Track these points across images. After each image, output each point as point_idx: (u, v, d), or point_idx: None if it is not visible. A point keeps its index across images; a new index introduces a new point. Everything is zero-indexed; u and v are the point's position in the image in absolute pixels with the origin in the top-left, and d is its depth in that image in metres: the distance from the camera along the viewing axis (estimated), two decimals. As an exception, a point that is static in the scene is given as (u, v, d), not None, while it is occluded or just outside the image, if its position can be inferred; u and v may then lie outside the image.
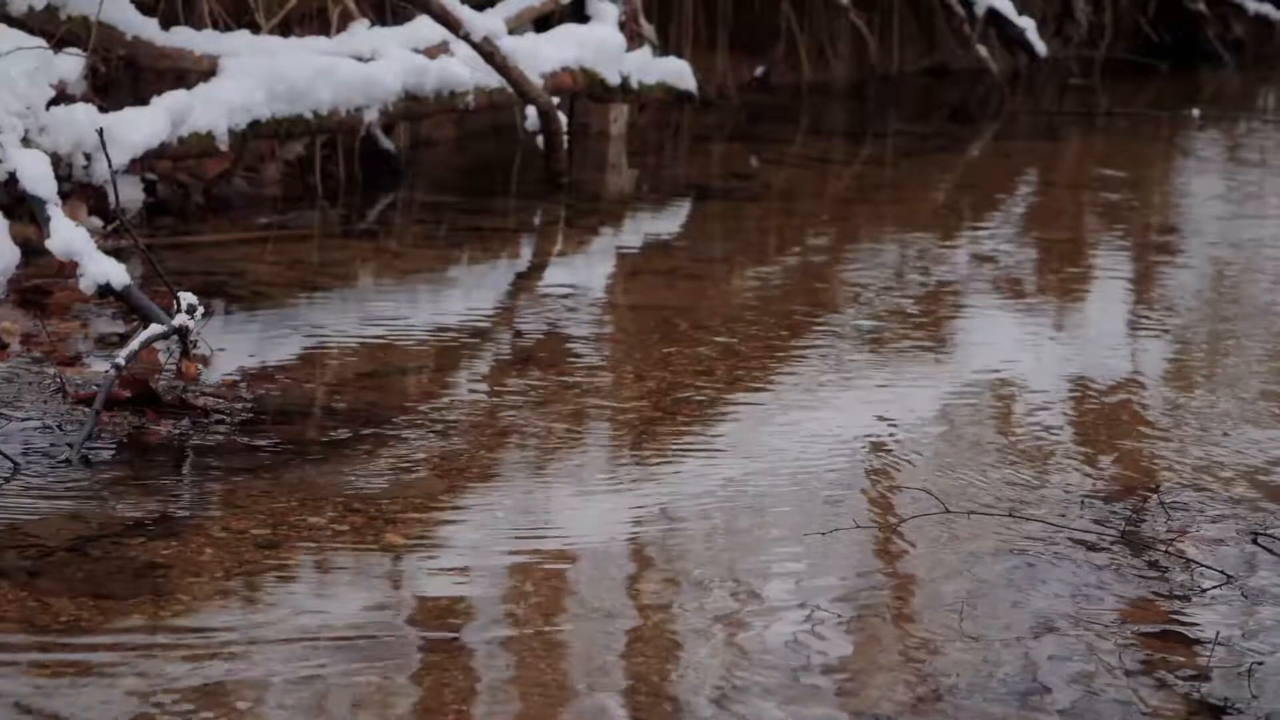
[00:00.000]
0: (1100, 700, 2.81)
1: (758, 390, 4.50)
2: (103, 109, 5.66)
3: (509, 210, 6.93)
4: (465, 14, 6.67)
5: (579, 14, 7.90)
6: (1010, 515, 3.58)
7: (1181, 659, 2.98)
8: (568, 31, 7.52)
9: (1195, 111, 10.40)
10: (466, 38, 6.67)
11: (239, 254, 5.81)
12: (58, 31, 5.71)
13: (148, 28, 6.19)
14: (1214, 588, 3.27)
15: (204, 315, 4.28)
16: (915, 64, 11.48)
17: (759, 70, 10.48)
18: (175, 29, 6.34)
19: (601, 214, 6.89)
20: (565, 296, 5.50)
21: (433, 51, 6.81)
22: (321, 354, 4.73)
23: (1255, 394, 4.64)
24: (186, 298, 4.21)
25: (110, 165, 4.73)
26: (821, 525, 3.51)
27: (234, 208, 6.52)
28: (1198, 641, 3.05)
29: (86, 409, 3.92)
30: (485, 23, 6.72)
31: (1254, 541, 3.50)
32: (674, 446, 4.01)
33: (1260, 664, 2.96)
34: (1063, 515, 3.62)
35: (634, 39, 8.02)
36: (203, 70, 6.23)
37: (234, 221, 6.31)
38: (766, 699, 2.77)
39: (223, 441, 3.91)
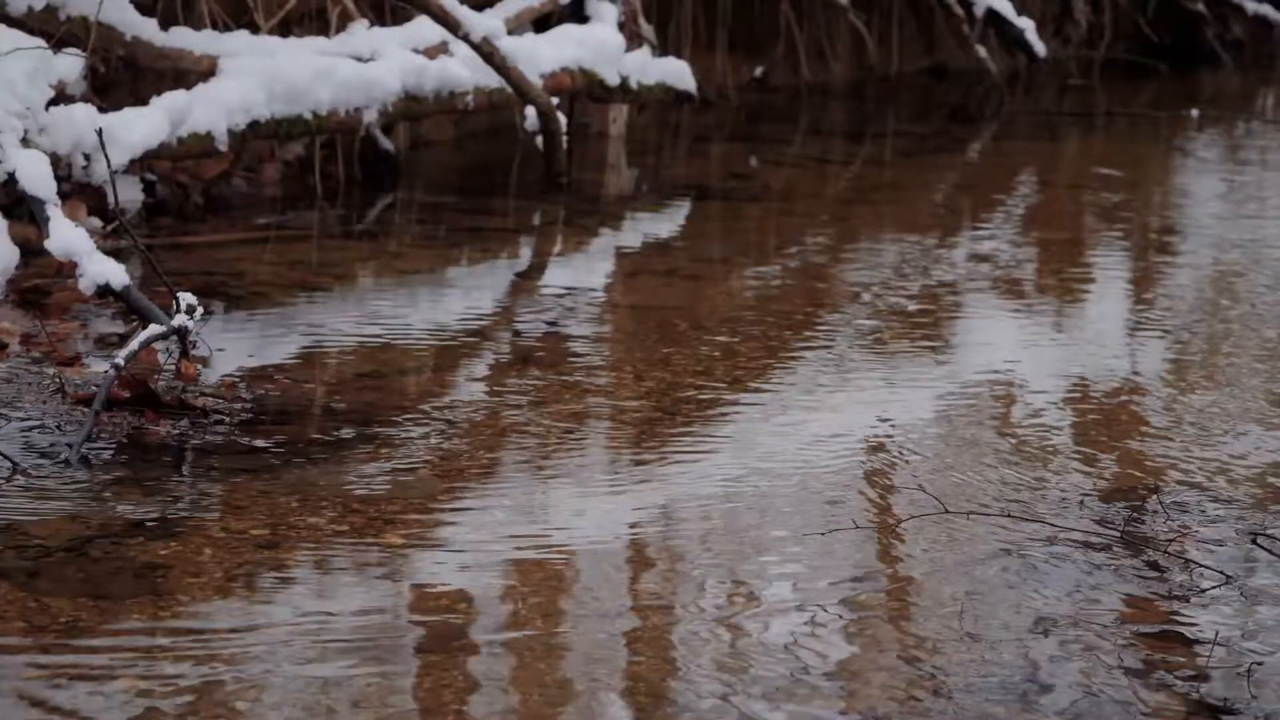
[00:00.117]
0: (1100, 700, 2.81)
1: (758, 390, 4.50)
2: (102, 109, 5.65)
3: (508, 210, 6.93)
4: (464, 14, 6.67)
5: (578, 14, 7.89)
6: (1010, 515, 3.58)
7: (1181, 659, 2.98)
8: (567, 32, 7.51)
9: (1194, 112, 10.39)
10: (466, 38, 6.67)
11: (238, 254, 5.81)
12: (57, 32, 5.70)
13: (147, 28, 6.18)
14: (1213, 588, 3.27)
15: (203, 315, 4.28)
16: (914, 64, 11.47)
17: (758, 70, 10.47)
18: (174, 29, 6.34)
19: (601, 214, 6.88)
20: (565, 296, 5.50)
21: (432, 52, 6.80)
22: (321, 354, 4.73)
23: (1255, 394, 4.63)
24: (186, 298, 4.21)
25: (109, 165, 4.73)
26: (821, 525, 3.51)
27: (233, 208, 6.51)
28: (1197, 642, 3.04)
29: (86, 409, 3.91)
30: (484, 23, 6.72)
31: (1254, 542, 3.49)
32: (674, 446, 4.01)
33: (1259, 664, 2.96)
34: (1062, 515, 3.62)
35: (633, 39, 8.02)
36: (202, 70, 6.23)
37: (233, 222, 6.30)
38: (766, 699, 2.77)
39: (222, 442, 3.91)
